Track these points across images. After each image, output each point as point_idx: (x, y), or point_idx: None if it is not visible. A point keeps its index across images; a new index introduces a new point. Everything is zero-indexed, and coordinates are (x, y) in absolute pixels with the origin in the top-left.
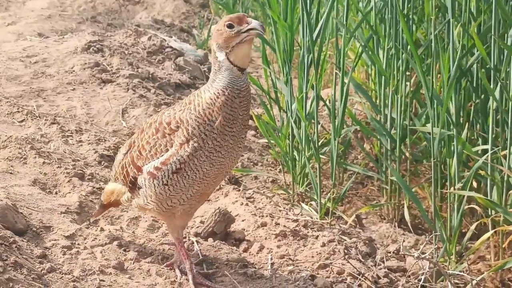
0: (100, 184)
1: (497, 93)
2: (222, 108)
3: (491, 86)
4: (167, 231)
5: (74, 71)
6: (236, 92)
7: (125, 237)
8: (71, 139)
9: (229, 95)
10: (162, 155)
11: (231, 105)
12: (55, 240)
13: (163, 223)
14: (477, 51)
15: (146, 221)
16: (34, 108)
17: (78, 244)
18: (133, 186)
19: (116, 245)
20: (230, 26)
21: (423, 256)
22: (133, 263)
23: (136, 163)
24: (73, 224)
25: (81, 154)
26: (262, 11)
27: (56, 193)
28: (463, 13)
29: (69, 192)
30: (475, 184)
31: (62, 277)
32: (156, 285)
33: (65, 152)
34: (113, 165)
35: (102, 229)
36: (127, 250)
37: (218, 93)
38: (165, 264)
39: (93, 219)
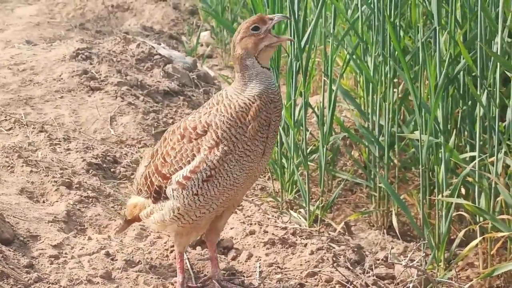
0: (88, 193)
1: (484, 100)
2: (257, 113)
3: (478, 92)
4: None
5: (62, 78)
6: (271, 97)
7: (113, 246)
8: (59, 147)
9: (265, 100)
10: (189, 161)
11: (266, 111)
12: (42, 249)
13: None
14: (463, 58)
15: (134, 230)
16: (22, 116)
17: (66, 253)
18: (158, 195)
19: (104, 254)
20: (256, 29)
21: (411, 264)
22: (121, 272)
23: (161, 171)
24: (61, 233)
25: (69, 162)
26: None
27: (43, 202)
28: (449, 20)
29: (57, 201)
30: (463, 191)
31: (49, 287)
32: None
33: (53, 161)
34: (135, 177)
35: (89, 238)
36: (114, 259)
37: (254, 98)
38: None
39: (117, 235)
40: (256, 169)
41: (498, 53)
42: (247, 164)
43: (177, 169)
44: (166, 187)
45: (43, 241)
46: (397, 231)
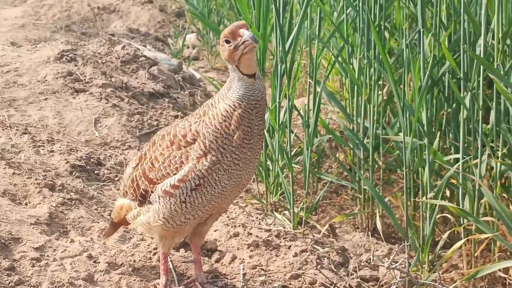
0: (71, 195)
1: (468, 102)
2: (239, 121)
3: (462, 95)
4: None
5: (46, 80)
6: (252, 103)
7: (96, 248)
8: (43, 149)
9: (245, 107)
10: (177, 168)
11: (248, 118)
12: (24, 252)
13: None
14: (447, 60)
15: (117, 232)
16: (5, 118)
17: (48, 256)
18: (144, 199)
19: (86, 256)
20: (227, 42)
21: (394, 266)
22: (103, 275)
23: (148, 175)
24: (43, 236)
25: (52, 164)
26: (237, 20)
27: (26, 204)
28: (434, 22)
29: (39, 203)
30: (447, 193)
31: None
32: None
33: (36, 163)
34: (122, 179)
35: (72, 241)
36: (97, 261)
37: (234, 105)
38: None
39: (104, 239)
40: (244, 177)
41: (481, 55)
42: (235, 173)
43: (164, 175)
44: (152, 191)
45: (25, 244)
46: (380, 233)
